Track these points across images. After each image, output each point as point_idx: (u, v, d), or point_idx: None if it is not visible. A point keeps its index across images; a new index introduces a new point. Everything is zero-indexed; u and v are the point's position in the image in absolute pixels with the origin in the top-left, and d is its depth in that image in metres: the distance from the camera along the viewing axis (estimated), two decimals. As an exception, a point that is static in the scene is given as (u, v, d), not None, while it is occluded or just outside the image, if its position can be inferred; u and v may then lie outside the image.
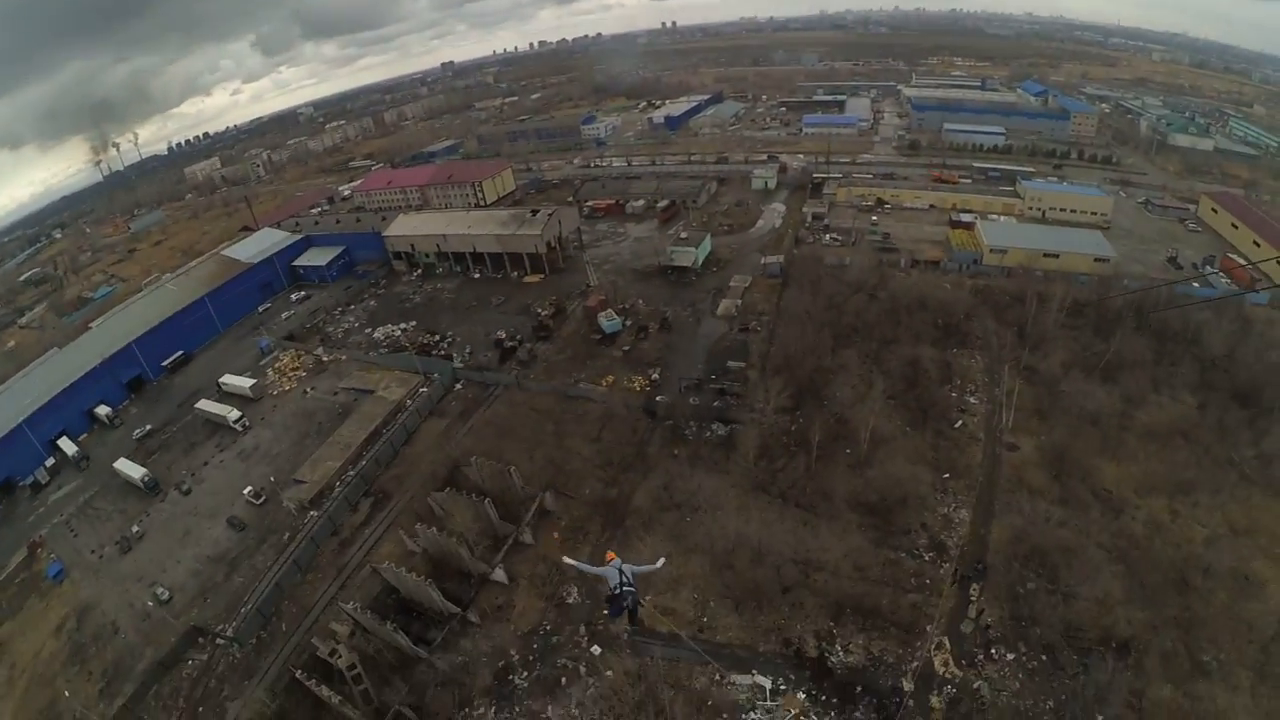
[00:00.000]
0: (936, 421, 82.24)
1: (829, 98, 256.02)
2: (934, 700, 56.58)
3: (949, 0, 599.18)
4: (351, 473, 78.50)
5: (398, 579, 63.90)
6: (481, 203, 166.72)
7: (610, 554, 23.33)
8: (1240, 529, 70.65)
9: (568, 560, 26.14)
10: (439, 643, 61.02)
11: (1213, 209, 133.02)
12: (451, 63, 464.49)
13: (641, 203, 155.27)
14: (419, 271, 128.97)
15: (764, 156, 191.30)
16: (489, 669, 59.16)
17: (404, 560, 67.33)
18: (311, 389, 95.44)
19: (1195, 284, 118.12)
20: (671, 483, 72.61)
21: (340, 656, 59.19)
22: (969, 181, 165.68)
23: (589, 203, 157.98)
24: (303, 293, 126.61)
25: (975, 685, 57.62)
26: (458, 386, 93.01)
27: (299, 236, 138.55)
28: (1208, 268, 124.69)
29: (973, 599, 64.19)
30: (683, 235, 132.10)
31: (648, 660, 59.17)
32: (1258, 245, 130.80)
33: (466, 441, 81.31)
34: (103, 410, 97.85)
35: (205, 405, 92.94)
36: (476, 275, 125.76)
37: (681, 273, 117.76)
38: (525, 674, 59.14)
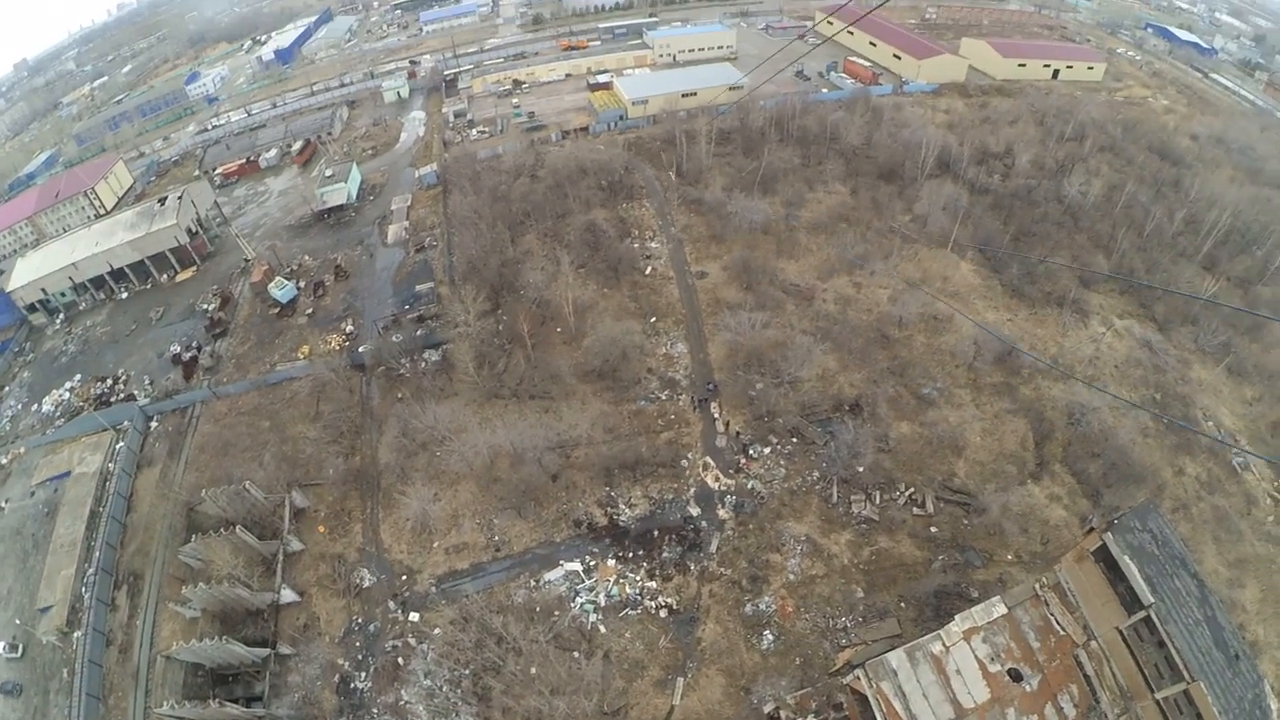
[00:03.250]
0: (628, 274, 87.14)
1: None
2: (721, 512, 63.54)
3: None
4: (90, 570, 68.56)
5: (195, 653, 58.29)
6: (103, 211, 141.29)
7: None
8: (915, 281, 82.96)
9: None
10: (268, 693, 57.07)
11: (828, 21, 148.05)
12: (25, 60, 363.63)
13: (274, 152, 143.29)
14: (61, 316, 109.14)
15: (390, 66, 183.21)
16: (328, 689, 56.68)
17: (189, 631, 61.41)
18: (5, 502, 80.00)
19: (824, 89, 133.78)
20: (408, 426, 71.85)
21: (186, 761, 53.77)
22: (599, 43, 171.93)
23: (218, 170, 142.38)
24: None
25: (749, 485, 65.14)
26: (153, 424, 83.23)
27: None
28: (831, 73, 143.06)
29: (716, 416, 71.57)
30: (328, 173, 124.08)
31: (465, 600, 59.36)
32: (874, 45, 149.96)
33: (189, 478, 74.28)
34: None
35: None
36: (124, 295, 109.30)
37: (339, 212, 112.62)
38: (363, 674, 57.31)
